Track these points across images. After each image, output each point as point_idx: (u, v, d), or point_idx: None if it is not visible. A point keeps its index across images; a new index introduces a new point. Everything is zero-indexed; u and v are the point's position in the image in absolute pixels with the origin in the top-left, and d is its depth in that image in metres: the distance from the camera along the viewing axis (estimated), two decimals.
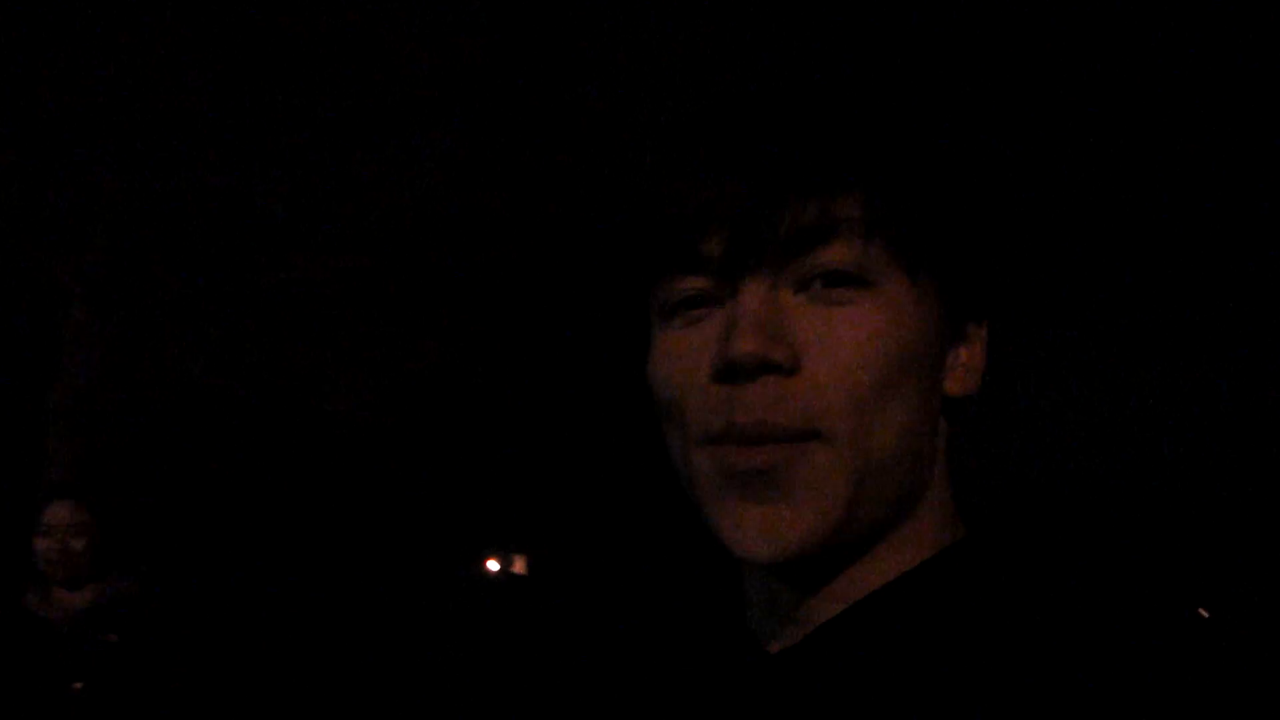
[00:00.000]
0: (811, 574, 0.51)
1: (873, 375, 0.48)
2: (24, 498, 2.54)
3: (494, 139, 3.20)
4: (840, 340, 0.48)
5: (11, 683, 2.31)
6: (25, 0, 2.67)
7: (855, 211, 0.48)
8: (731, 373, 0.47)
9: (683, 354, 0.51)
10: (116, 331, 4.12)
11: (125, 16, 2.73)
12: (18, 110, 3.15)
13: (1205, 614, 0.46)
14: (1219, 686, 0.41)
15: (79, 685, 2.34)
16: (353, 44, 2.69)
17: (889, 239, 0.48)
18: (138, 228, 4.11)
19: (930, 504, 0.52)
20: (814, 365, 0.47)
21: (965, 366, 0.53)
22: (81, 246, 4.16)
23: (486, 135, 3.18)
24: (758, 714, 0.50)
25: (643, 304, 0.55)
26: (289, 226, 4.04)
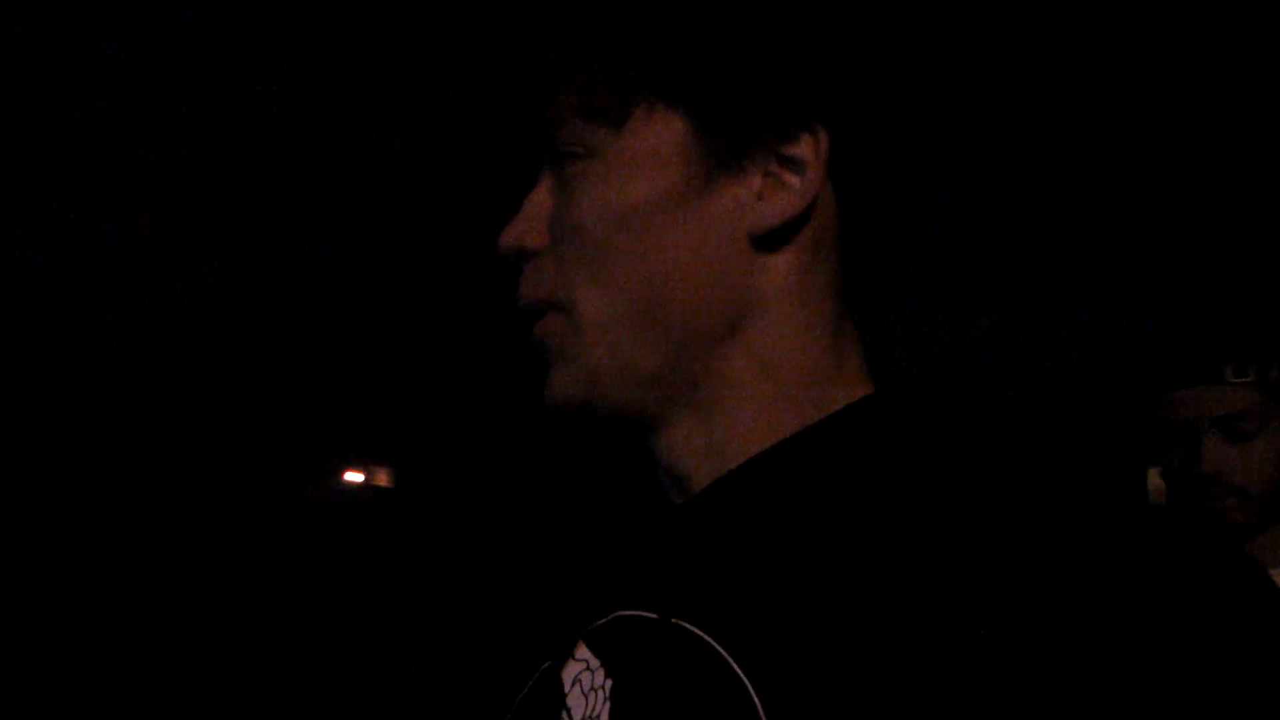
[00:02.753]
0: (673, 433, 0.52)
1: (588, 239, 0.50)
2: None
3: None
4: (567, 212, 0.51)
5: None
6: None
7: (577, 91, 0.51)
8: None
9: None
10: None
11: None
12: None
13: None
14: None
15: None
16: None
17: (599, 111, 0.50)
18: None
19: (770, 342, 0.50)
20: (554, 242, 0.52)
21: (772, 194, 0.49)
22: None
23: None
24: (665, 560, 0.51)
25: None
26: None
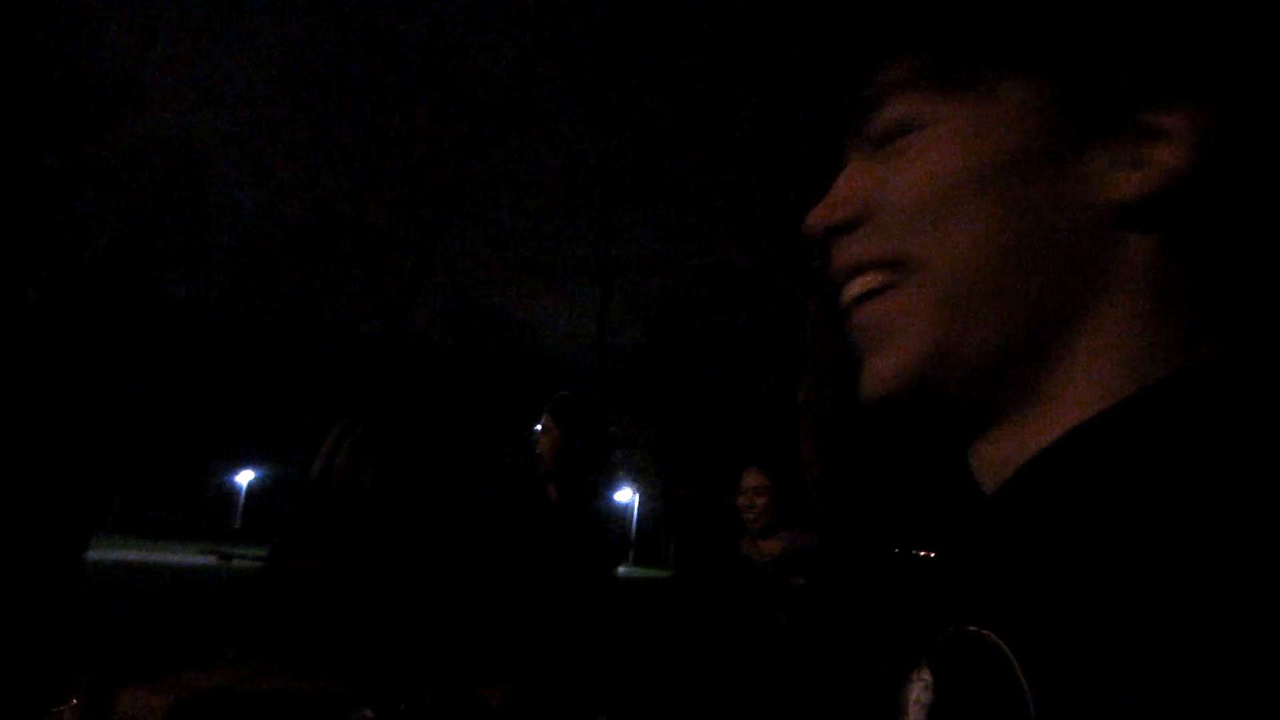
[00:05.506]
0: (999, 423, 0.48)
1: (930, 202, 0.47)
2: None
3: None
4: (897, 180, 0.49)
5: (736, 608, 2.96)
6: None
7: (903, 70, 0.49)
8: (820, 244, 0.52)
9: None
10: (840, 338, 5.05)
11: None
12: None
13: None
14: None
15: (783, 616, 2.92)
16: None
17: (937, 81, 0.48)
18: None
19: (1110, 340, 0.46)
20: (879, 209, 0.50)
21: (1134, 165, 0.45)
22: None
23: None
24: (975, 562, 0.49)
25: None
26: None
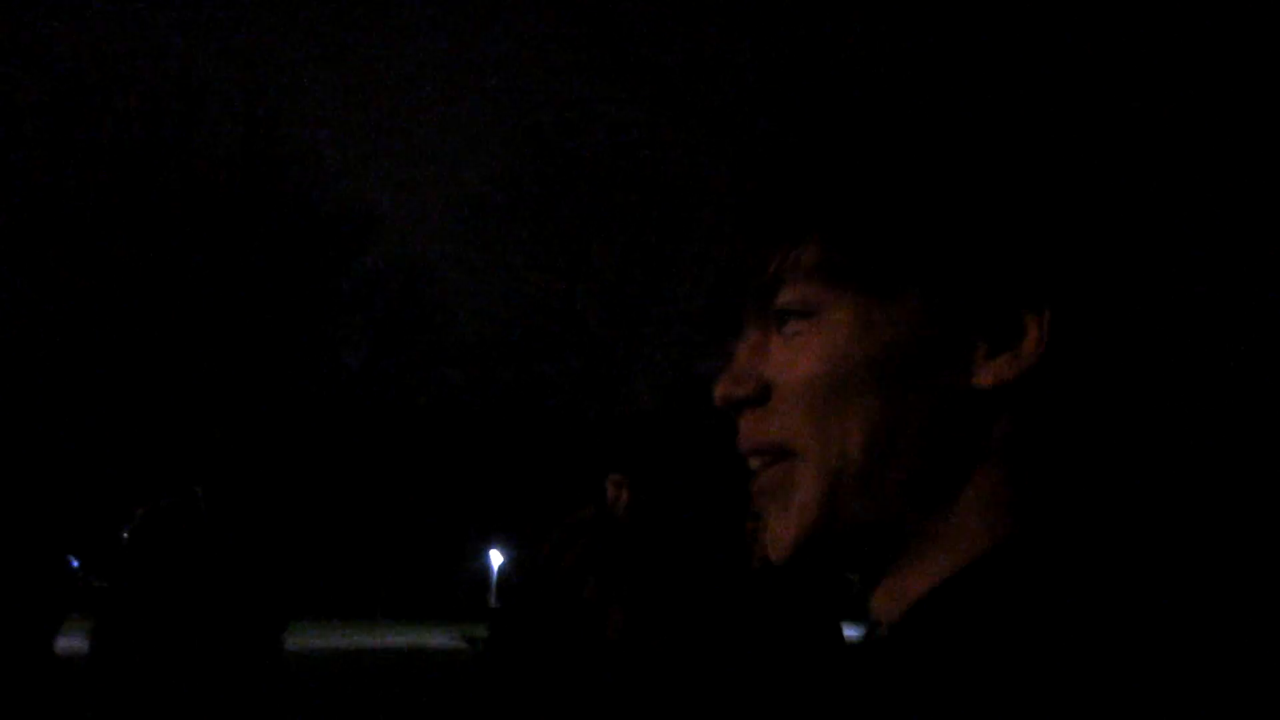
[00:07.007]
0: (866, 574, 0.55)
1: (820, 392, 0.52)
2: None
3: None
4: (793, 367, 0.53)
5: None
6: None
7: (803, 257, 0.54)
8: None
9: None
10: None
11: None
12: None
13: None
14: None
15: None
16: None
17: (832, 275, 0.53)
18: None
19: (975, 501, 0.52)
20: (777, 393, 0.54)
21: (995, 358, 0.52)
22: None
23: None
24: (862, 693, 0.54)
25: None
26: None
